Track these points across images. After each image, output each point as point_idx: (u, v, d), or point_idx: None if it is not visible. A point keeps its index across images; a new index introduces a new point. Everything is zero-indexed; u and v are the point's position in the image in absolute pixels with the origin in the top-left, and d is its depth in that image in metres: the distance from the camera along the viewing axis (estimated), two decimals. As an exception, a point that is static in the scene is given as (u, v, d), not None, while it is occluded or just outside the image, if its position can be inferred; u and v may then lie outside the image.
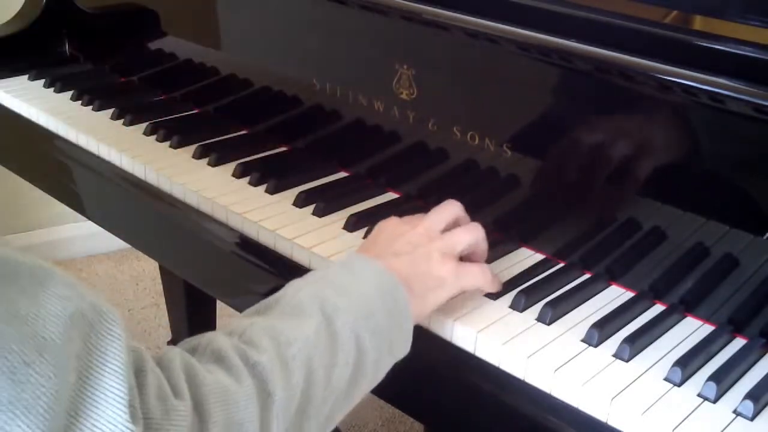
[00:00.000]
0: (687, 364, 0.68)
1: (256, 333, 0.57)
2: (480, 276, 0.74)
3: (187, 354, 0.53)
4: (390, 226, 0.76)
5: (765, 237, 0.71)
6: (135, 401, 0.45)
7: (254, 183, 0.97)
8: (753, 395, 0.65)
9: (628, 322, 0.75)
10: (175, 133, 1.07)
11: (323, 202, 0.91)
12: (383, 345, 0.65)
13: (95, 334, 0.44)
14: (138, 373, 0.48)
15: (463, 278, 0.73)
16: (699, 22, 0.75)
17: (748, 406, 0.64)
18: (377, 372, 0.65)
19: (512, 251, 0.85)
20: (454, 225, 0.77)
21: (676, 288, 0.77)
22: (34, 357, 0.40)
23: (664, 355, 0.70)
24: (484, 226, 0.88)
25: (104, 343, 0.44)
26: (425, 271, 0.71)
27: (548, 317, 0.74)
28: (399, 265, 0.69)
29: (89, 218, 1.15)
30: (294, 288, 0.64)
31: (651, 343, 0.72)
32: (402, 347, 0.68)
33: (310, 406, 0.58)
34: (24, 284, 0.43)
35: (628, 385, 0.66)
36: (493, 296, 0.77)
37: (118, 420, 0.43)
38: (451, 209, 0.78)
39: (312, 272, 0.68)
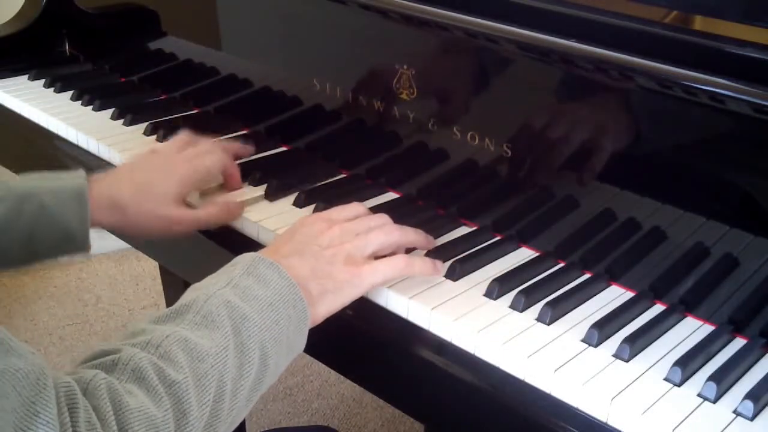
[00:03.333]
0: (687, 364, 0.68)
1: (172, 347, 0.58)
2: (384, 271, 0.74)
3: (111, 378, 0.54)
4: (307, 224, 0.77)
5: None
6: None
7: (254, 183, 0.97)
8: (753, 395, 0.65)
9: (628, 322, 0.75)
10: (175, 134, 1.07)
11: (323, 202, 0.91)
12: (283, 349, 0.67)
13: (27, 387, 0.46)
14: (71, 409, 0.49)
15: (364, 280, 0.73)
16: (699, 22, 0.75)
17: (748, 406, 0.64)
18: (276, 373, 0.67)
19: (512, 251, 0.85)
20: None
21: (676, 288, 0.77)
22: None
23: (664, 355, 0.71)
24: (485, 226, 0.89)
25: (35, 395, 0.47)
26: (325, 274, 0.72)
27: (548, 317, 0.74)
28: (300, 267, 0.71)
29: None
30: (203, 294, 0.64)
31: (651, 343, 0.72)
32: (299, 347, 0.70)
33: (218, 420, 0.59)
34: None
35: (628, 385, 0.66)
36: (493, 296, 0.77)
37: None
38: (376, 217, 0.79)
39: (218, 273, 0.69)
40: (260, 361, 0.63)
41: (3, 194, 0.80)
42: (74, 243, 0.83)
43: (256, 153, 1.04)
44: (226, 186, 0.95)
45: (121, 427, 0.51)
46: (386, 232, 0.77)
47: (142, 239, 0.88)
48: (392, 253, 0.78)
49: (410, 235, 0.80)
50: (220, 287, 0.65)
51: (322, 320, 0.72)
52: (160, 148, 0.93)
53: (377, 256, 0.76)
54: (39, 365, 0.48)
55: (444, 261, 0.81)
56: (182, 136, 0.95)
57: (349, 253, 0.74)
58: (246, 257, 0.70)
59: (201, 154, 0.91)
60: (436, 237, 0.86)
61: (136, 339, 0.59)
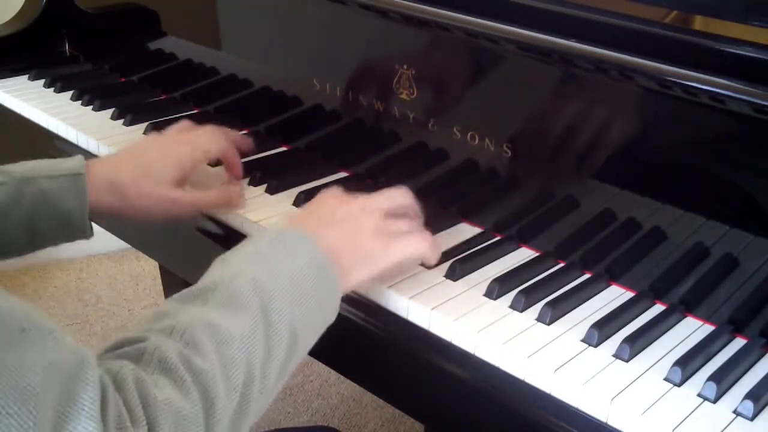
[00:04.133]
0: (687, 364, 0.68)
1: (197, 332, 0.57)
2: (414, 245, 0.75)
3: (138, 369, 0.53)
4: (330, 197, 0.77)
5: None
6: None
7: (254, 183, 0.97)
8: (753, 395, 0.65)
9: (628, 322, 0.75)
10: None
11: (323, 202, 0.91)
12: (313, 324, 0.66)
13: (72, 380, 0.46)
14: (101, 402, 0.48)
15: (393, 252, 0.74)
16: (699, 22, 0.75)
17: (748, 406, 0.64)
18: (307, 348, 0.67)
19: (512, 251, 0.85)
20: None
21: (676, 288, 0.77)
22: (15, 408, 0.42)
23: (664, 355, 0.71)
24: (485, 226, 0.89)
25: (80, 388, 0.46)
26: (355, 245, 0.72)
27: (548, 317, 0.74)
28: (329, 238, 0.70)
29: (89, 218, 1.15)
30: (229, 272, 0.63)
31: (651, 343, 0.72)
32: (329, 318, 0.69)
33: (248, 403, 0.59)
34: (7, 333, 0.44)
35: (628, 385, 0.66)
36: (493, 296, 0.77)
37: None
38: (400, 196, 0.79)
39: (244, 244, 0.69)
40: (290, 338, 0.62)
41: (3, 180, 0.80)
42: (74, 227, 0.82)
43: (256, 153, 1.04)
44: (227, 171, 0.96)
45: (150, 422, 0.50)
46: (408, 221, 0.77)
47: (141, 222, 0.88)
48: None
49: (427, 233, 0.79)
50: (247, 262, 0.65)
51: (352, 290, 0.72)
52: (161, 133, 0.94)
53: None
54: (85, 359, 0.48)
55: (444, 261, 0.81)
56: (183, 122, 0.95)
57: (374, 225, 0.74)
58: (275, 229, 0.70)
59: (200, 136, 0.92)
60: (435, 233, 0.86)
61: (161, 324, 0.58)
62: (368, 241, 0.72)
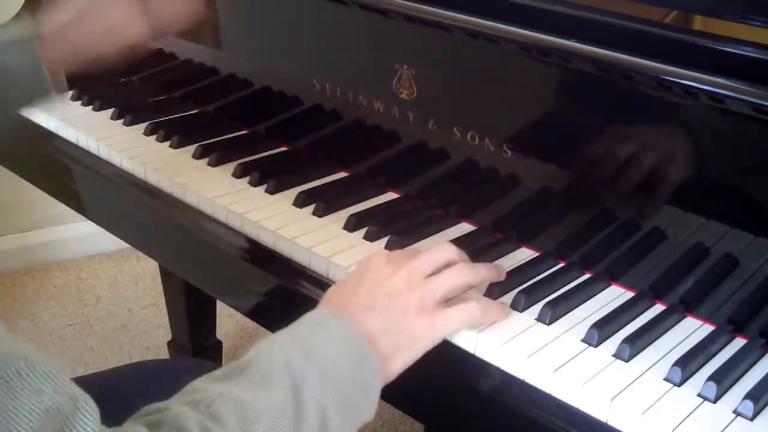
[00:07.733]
0: (687, 364, 0.68)
1: (223, 407, 0.55)
2: (463, 318, 0.71)
3: None
4: (373, 268, 0.72)
5: None
6: None
7: (254, 183, 0.97)
8: (753, 395, 0.65)
9: (628, 322, 0.75)
10: (175, 133, 1.07)
11: (323, 202, 0.91)
12: (348, 413, 0.63)
13: (68, 429, 0.45)
14: None
15: (441, 329, 0.70)
16: (699, 22, 0.75)
17: (748, 406, 0.64)
18: None
19: (512, 251, 0.85)
20: (445, 268, 0.73)
21: (676, 288, 0.77)
22: None
23: (664, 355, 0.70)
24: (484, 225, 0.89)
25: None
26: (398, 329, 0.68)
27: (548, 317, 0.74)
28: (371, 324, 0.67)
29: (89, 218, 1.15)
30: (266, 350, 0.62)
31: (651, 343, 0.72)
32: (367, 413, 0.66)
33: None
34: (4, 377, 0.44)
35: (628, 385, 0.66)
36: (494, 296, 0.77)
37: None
38: (444, 253, 0.74)
39: (285, 330, 0.66)
40: (320, 423, 0.60)
41: None
42: (38, 89, 0.84)
43: (256, 153, 1.04)
44: None
45: None
46: (457, 273, 0.72)
47: (102, 62, 0.89)
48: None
49: (482, 272, 0.75)
50: (285, 344, 0.63)
51: (395, 377, 0.68)
52: None
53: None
54: (81, 406, 0.46)
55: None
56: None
57: (419, 300, 0.69)
58: (318, 313, 0.67)
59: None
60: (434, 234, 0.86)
61: (189, 397, 0.57)
62: (413, 322, 0.68)
